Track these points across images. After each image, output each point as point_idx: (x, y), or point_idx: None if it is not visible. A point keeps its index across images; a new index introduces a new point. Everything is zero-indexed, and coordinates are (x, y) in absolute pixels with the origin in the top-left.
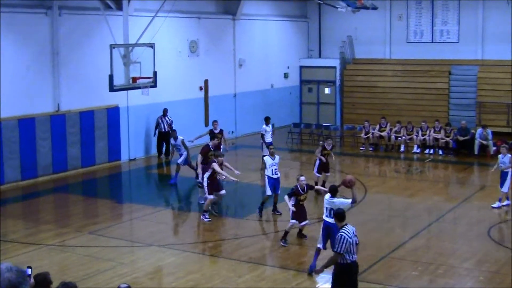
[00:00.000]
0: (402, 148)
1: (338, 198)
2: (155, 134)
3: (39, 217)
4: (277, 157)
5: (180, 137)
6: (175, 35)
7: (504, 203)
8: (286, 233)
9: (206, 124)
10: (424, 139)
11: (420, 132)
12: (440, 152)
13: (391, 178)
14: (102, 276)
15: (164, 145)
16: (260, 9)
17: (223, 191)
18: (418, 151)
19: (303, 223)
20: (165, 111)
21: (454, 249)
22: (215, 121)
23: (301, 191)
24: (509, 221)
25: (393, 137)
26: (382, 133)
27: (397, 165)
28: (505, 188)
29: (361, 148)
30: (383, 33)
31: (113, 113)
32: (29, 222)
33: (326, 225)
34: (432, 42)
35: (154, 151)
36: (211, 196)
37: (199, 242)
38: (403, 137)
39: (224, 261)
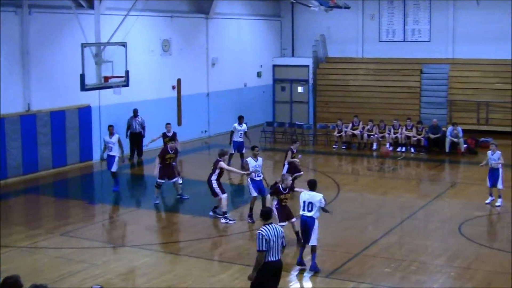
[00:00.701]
0: (374, 146)
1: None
2: (127, 135)
3: (9, 219)
4: (260, 159)
5: (116, 135)
6: (148, 34)
7: (497, 204)
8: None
9: (179, 124)
10: (396, 137)
11: (392, 130)
12: (412, 150)
13: (364, 176)
14: (74, 277)
15: (136, 145)
16: (233, 8)
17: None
18: (390, 149)
19: (292, 220)
20: (135, 112)
21: (426, 246)
22: (168, 124)
23: (282, 190)
24: (479, 217)
25: (365, 135)
26: (355, 132)
27: (369, 163)
28: (500, 185)
29: (334, 146)
30: (356, 32)
31: (84, 112)
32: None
33: (303, 220)
34: (404, 41)
35: (126, 151)
36: (225, 195)
37: (172, 242)
38: (376, 135)
39: (197, 260)
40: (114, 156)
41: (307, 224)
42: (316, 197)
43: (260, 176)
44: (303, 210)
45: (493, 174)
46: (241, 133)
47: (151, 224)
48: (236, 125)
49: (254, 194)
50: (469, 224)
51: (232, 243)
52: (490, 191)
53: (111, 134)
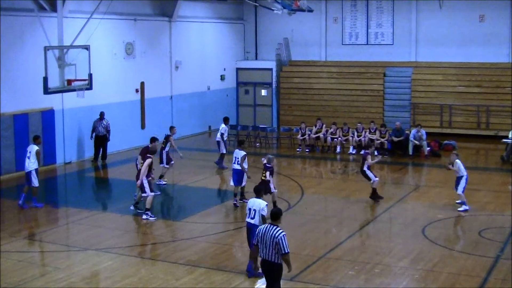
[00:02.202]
0: (338, 149)
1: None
2: (92, 137)
3: None
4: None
5: (36, 147)
6: (111, 37)
7: (461, 209)
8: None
9: (143, 127)
10: (360, 140)
11: (355, 133)
12: (376, 153)
13: (328, 179)
14: (38, 281)
15: (101, 148)
16: (196, 11)
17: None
18: (353, 152)
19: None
20: (102, 115)
21: (389, 248)
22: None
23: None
24: (443, 220)
25: (329, 138)
26: (318, 135)
27: (333, 166)
28: (458, 190)
29: (297, 149)
30: (319, 35)
31: (48, 116)
32: None
33: (247, 226)
34: (367, 44)
35: (88, 154)
36: (152, 194)
37: (136, 246)
38: (339, 138)
39: (161, 264)
40: (32, 168)
41: (250, 231)
42: (261, 204)
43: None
44: (247, 217)
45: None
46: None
47: (115, 227)
48: (224, 126)
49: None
50: (432, 227)
51: (196, 246)
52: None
53: (38, 143)
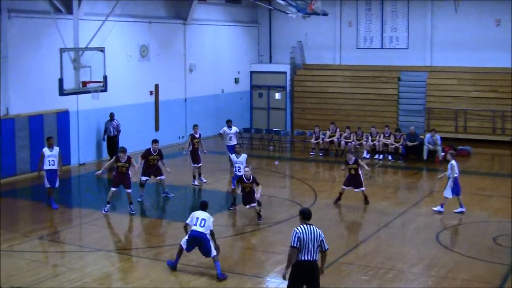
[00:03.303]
0: None
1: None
2: (104, 138)
3: None
4: (242, 155)
5: (57, 147)
6: (126, 39)
7: (457, 210)
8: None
9: (157, 129)
10: (374, 145)
11: (369, 138)
12: (390, 157)
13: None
14: (51, 282)
15: (113, 149)
16: (211, 14)
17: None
18: (367, 156)
19: (251, 205)
20: (112, 115)
21: (403, 254)
22: (195, 125)
23: (245, 180)
24: (456, 226)
25: (343, 142)
26: (332, 139)
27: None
28: (447, 193)
29: (311, 153)
30: (333, 39)
31: (63, 117)
32: None
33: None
34: (382, 48)
35: (104, 155)
36: (112, 189)
37: (149, 247)
38: (353, 143)
39: None
40: (56, 170)
41: (201, 239)
42: (210, 218)
43: (240, 172)
44: (195, 225)
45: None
46: (231, 136)
47: (128, 228)
48: (225, 128)
49: (234, 186)
50: (446, 233)
51: None
52: (459, 201)
53: (51, 146)
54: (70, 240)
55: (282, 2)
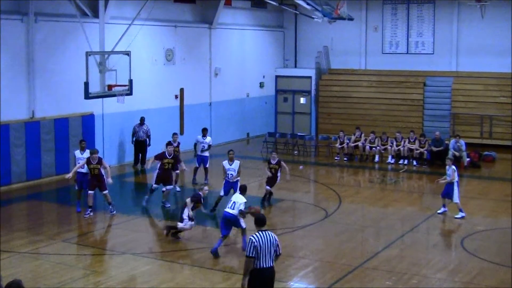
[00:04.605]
0: (376, 159)
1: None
2: (132, 142)
3: (12, 225)
4: (236, 162)
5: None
6: (151, 43)
7: (456, 216)
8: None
9: (182, 133)
10: (399, 150)
11: (394, 143)
12: (414, 162)
13: (366, 188)
14: (76, 284)
15: (141, 153)
16: (236, 18)
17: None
18: (392, 161)
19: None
20: (142, 120)
21: (427, 259)
22: (174, 134)
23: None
24: (482, 231)
25: (367, 147)
26: (357, 143)
27: (371, 175)
28: (455, 199)
29: (335, 158)
30: (359, 43)
31: (88, 120)
32: (2, 230)
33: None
34: (407, 53)
35: (128, 159)
36: (90, 192)
37: (174, 251)
38: (378, 148)
39: (198, 269)
40: (87, 174)
41: (231, 219)
42: (241, 199)
43: (230, 178)
44: (228, 207)
45: (447, 186)
46: (203, 146)
47: (153, 232)
48: (199, 137)
49: (221, 193)
50: (471, 238)
51: (233, 252)
52: (443, 202)
53: (83, 150)
54: (95, 243)
55: (308, 7)
